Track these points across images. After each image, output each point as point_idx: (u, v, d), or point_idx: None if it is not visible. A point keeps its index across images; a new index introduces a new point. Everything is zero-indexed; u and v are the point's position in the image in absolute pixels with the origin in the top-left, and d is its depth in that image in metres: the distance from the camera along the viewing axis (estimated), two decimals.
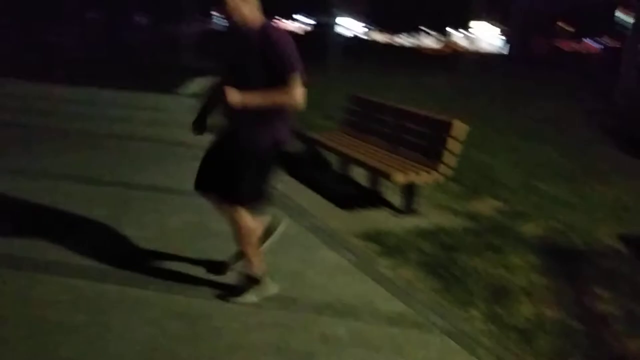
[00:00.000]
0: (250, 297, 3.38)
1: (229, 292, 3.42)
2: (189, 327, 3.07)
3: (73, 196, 5.08)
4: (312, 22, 47.25)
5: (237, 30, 3.14)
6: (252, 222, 3.32)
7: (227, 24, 3.19)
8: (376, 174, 5.37)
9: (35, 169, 5.94)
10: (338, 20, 24.91)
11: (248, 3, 3.10)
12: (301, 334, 3.06)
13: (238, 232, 3.32)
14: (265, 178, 3.31)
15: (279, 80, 3.03)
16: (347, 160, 5.97)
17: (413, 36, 54.34)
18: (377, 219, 5.06)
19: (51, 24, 21.12)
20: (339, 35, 22.45)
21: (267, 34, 3.05)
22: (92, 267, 3.72)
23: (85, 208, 4.78)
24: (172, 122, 9.05)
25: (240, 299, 3.37)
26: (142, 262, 3.84)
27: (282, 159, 3.35)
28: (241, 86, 3.04)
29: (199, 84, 12.78)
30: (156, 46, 21.36)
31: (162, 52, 19.07)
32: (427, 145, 5.28)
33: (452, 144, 5.02)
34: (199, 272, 3.72)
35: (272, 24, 3.15)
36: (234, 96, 3.01)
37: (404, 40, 53.54)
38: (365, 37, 49.98)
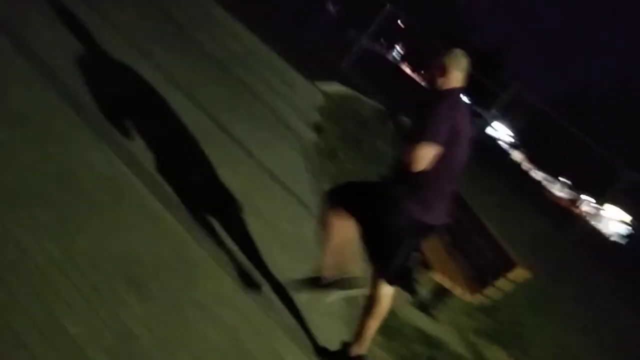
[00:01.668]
0: None
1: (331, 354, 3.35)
2: (200, 318, 2.98)
3: (193, 122, 5.27)
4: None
5: (431, 95, 3.17)
6: (390, 298, 3.22)
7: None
8: (422, 260, 5.27)
9: (184, 85, 6.14)
10: (493, 122, 24.61)
11: (449, 75, 3.11)
12: None
13: (373, 307, 3.20)
14: (402, 254, 3.21)
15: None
16: None
17: (547, 176, 52.89)
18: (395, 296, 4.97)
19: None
20: (488, 137, 22.08)
21: (438, 100, 3.05)
22: (170, 196, 3.84)
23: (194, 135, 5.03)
24: (296, 105, 9.21)
25: None
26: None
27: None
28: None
29: (335, 87, 12.89)
30: (341, 44, 21.48)
31: (340, 51, 19.22)
32: (482, 268, 5.16)
33: (502, 283, 4.88)
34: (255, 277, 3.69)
35: (454, 96, 3.11)
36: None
37: (537, 173, 52.24)
38: (505, 147, 49.22)
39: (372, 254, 3.23)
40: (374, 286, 3.20)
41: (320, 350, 3.35)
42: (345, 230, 3.31)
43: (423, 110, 3.07)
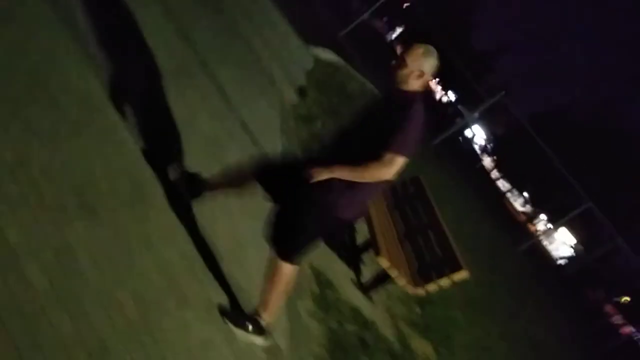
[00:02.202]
0: (245, 336, 3.09)
1: (230, 312, 3.18)
2: (144, 253, 2.95)
3: (179, 58, 5.22)
4: (452, 101, 46.93)
5: (392, 94, 3.14)
6: (292, 275, 3.10)
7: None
8: (372, 242, 5.34)
9: (177, 19, 6.00)
10: (473, 124, 24.62)
11: (422, 79, 3.07)
12: None
13: (272, 279, 3.06)
14: (316, 236, 3.17)
15: (379, 150, 2.86)
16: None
17: (513, 188, 53.58)
18: (339, 271, 5.05)
19: None
20: (465, 138, 22.15)
21: (408, 106, 2.99)
22: (138, 129, 3.78)
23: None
24: (285, 65, 9.08)
25: (237, 330, 3.09)
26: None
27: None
28: (348, 148, 3.05)
29: (328, 55, 12.72)
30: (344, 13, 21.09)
31: (340, 20, 18.91)
32: (429, 264, 5.28)
33: (445, 282, 4.99)
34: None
35: (421, 101, 3.06)
36: (318, 173, 2.97)
37: (503, 183, 52.93)
38: (479, 152, 49.71)
39: (278, 233, 3.11)
40: (275, 264, 3.06)
41: (226, 311, 3.18)
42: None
43: (389, 112, 3.03)
